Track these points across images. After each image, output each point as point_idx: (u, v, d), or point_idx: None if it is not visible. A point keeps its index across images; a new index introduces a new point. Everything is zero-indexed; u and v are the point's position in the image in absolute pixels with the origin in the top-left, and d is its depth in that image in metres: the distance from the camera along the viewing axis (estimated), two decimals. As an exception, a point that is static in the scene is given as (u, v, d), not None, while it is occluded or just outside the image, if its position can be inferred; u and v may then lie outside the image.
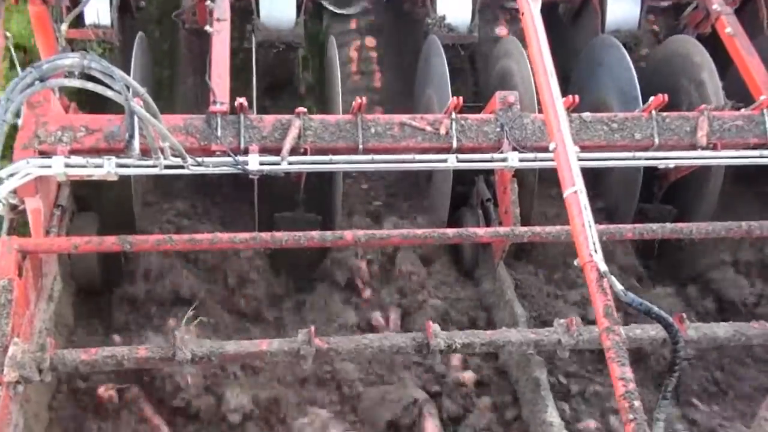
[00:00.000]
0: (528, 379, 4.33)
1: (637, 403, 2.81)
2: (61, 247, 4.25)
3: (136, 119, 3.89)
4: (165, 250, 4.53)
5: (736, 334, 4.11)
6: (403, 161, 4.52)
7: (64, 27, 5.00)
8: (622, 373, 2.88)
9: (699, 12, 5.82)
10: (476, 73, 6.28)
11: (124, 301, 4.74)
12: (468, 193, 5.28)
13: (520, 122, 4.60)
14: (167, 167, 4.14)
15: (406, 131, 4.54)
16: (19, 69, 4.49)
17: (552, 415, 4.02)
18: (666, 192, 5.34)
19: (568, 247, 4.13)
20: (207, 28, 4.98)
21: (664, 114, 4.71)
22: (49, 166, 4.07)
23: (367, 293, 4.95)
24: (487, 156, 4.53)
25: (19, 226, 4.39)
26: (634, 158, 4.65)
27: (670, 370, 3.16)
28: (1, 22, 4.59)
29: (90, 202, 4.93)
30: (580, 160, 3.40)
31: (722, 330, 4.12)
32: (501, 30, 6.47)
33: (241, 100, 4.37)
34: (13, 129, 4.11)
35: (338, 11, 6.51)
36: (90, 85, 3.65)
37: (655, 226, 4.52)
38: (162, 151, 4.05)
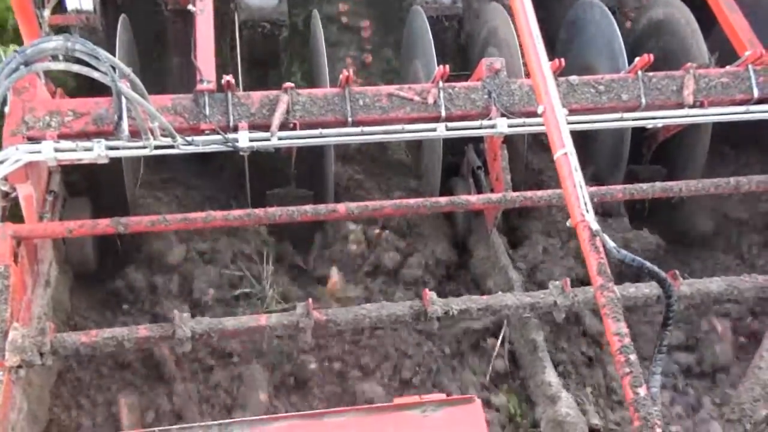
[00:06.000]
0: (525, 341, 4.37)
1: (633, 357, 2.86)
2: (55, 231, 4.25)
3: (123, 100, 3.89)
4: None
5: (729, 288, 4.17)
6: (393, 132, 4.53)
7: (46, 13, 4.93)
8: (617, 328, 2.93)
9: (682, -30, 5.81)
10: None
11: None
12: (459, 163, 5.29)
13: (508, 88, 4.60)
14: (157, 147, 4.14)
15: (394, 102, 4.55)
16: (2, 55, 4.47)
17: (550, 375, 4.08)
18: (655, 152, 5.37)
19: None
20: (190, 7, 4.95)
21: (650, 74, 4.73)
22: (39, 152, 4.05)
23: None
24: (476, 123, 4.54)
25: (11, 213, 4.39)
26: (621, 119, 4.66)
27: (664, 324, 3.19)
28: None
29: (81, 187, 4.91)
30: (568, 123, 3.41)
31: (715, 285, 4.18)
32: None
33: (228, 77, 4.36)
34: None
35: None
36: (76, 68, 3.63)
37: (645, 185, 4.56)
38: (151, 131, 4.05)
